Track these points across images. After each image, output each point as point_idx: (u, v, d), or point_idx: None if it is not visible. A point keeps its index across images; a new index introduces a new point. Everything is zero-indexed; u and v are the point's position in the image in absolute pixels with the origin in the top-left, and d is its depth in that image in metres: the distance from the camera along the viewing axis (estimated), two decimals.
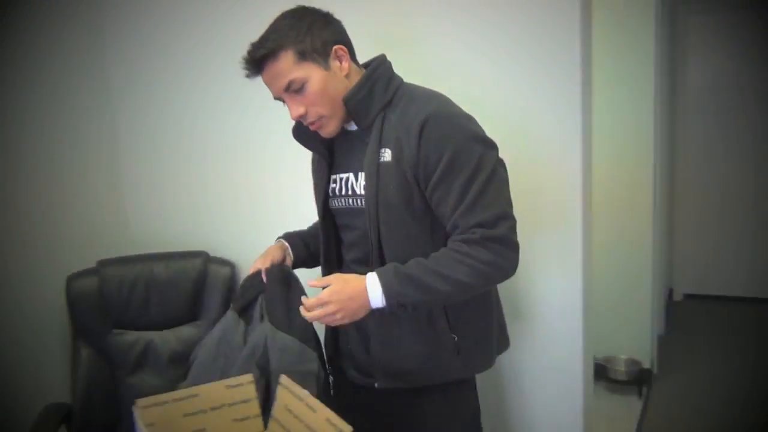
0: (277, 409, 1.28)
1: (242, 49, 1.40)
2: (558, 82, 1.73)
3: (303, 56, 1.34)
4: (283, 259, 1.63)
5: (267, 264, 1.56)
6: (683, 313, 4.73)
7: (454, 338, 1.43)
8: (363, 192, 1.40)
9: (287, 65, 1.33)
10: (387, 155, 1.35)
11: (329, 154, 1.52)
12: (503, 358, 1.67)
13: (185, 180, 2.35)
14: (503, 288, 1.56)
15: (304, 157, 1.67)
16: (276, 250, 1.64)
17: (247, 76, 1.40)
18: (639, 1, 3.19)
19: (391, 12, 1.91)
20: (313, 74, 1.34)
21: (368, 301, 1.31)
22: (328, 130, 1.42)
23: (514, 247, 1.34)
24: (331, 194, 1.52)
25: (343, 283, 1.33)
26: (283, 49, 1.33)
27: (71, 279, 2.10)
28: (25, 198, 2.09)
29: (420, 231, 1.39)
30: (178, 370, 2.12)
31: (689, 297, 5.03)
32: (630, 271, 3.45)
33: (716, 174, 4.77)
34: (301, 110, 1.37)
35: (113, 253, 2.23)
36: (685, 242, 4.96)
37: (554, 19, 1.70)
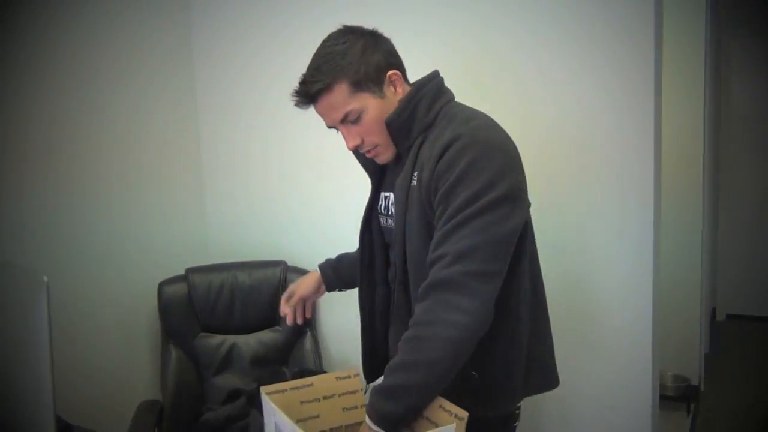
0: None
1: None
2: (632, 103, 1.83)
3: (358, 87, 1.28)
4: (315, 291, 1.74)
5: (289, 305, 1.70)
6: (726, 333, 4.76)
7: (474, 375, 1.29)
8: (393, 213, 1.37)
9: (342, 97, 1.28)
10: (415, 179, 1.29)
11: (381, 171, 1.49)
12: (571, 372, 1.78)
13: (265, 193, 2.51)
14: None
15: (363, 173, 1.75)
16: (309, 283, 1.75)
17: (298, 106, 1.36)
18: (691, 25, 3.30)
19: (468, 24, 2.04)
20: (368, 104, 1.30)
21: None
22: (384, 157, 1.39)
23: (470, 293, 1.13)
24: (378, 211, 1.50)
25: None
26: (338, 82, 1.27)
27: (163, 285, 2.26)
28: (119, 211, 2.25)
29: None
30: (259, 371, 2.27)
31: (732, 317, 5.06)
32: (680, 289, 3.52)
33: (758, 196, 4.82)
34: (357, 141, 1.34)
35: (198, 263, 2.39)
36: (728, 263, 5.00)
37: (629, 40, 1.82)
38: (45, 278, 1.13)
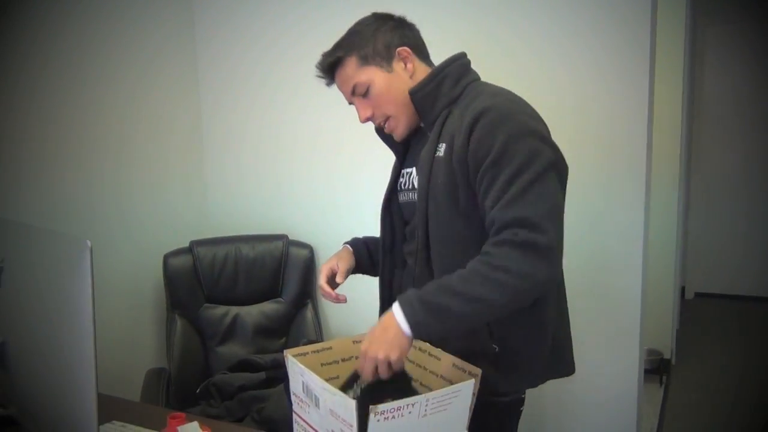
0: None
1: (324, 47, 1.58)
2: (629, 90, 1.95)
3: (365, 60, 1.37)
4: (351, 267, 1.65)
5: (325, 277, 1.57)
6: (695, 310, 4.97)
7: (495, 349, 1.32)
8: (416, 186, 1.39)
9: (351, 70, 1.38)
10: (442, 150, 1.31)
11: (404, 150, 1.53)
12: None
13: (266, 168, 2.57)
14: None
15: (379, 149, 1.75)
16: (345, 256, 1.65)
17: (327, 84, 1.47)
18: (670, 13, 3.42)
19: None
20: (375, 77, 1.37)
21: (401, 330, 1.17)
22: (399, 131, 1.44)
23: (553, 261, 1.16)
24: (398, 188, 1.52)
25: (372, 328, 1.23)
26: (348, 56, 1.38)
27: (168, 257, 2.33)
28: (124, 184, 2.30)
29: (468, 230, 1.30)
30: (261, 341, 2.36)
31: (700, 295, 5.28)
32: (655, 267, 3.68)
33: (727, 177, 5.02)
34: (368, 112, 1.41)
35: (201, 236, 2.45)
36: (697, 243, 5.21)
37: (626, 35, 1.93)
38: (89, 243, 1.18)
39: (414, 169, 1.43)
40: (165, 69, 2.47)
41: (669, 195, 3.66)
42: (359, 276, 2.44)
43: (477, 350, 1.30)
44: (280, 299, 2.41)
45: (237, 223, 2.58)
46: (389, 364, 1.18)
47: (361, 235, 1.75)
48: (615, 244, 2.03)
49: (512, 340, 1.33)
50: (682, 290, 5.17)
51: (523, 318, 1.30)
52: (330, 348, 1.50)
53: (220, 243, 2.40)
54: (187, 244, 2.38)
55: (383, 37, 1.39)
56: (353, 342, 1.53)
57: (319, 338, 2.36)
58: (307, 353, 1.46)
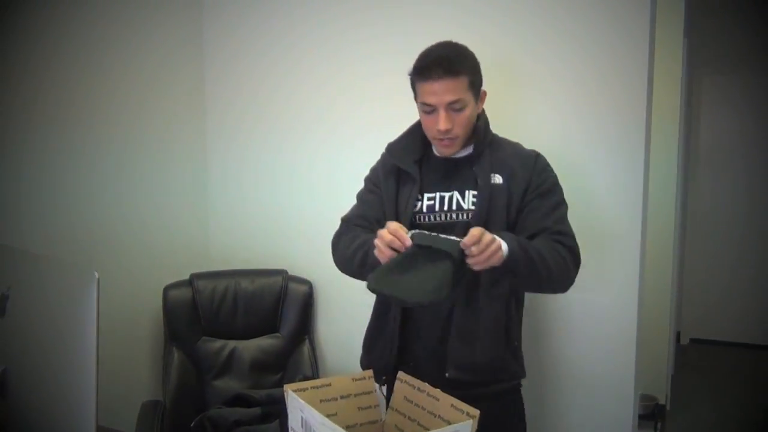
0: (395, 401, 1.51)
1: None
2: (625, 137, 2.00)
3: (472, 86, 1.60)
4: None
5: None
6: (690, 356, 4.97)
7: (516, 344, 1.69)
8: (472, 207, 1.61)
9: (462, 86, 1.57)
10: (498, 179, 1.62)
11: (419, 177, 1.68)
12: (558, 388, 1.99)
13: (268, 203, 2.60)
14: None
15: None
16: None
17: (419, 73, 1.59)
18: (668, 61, 3.50)
19: None
20: (471, 103, 1.60)
21: (502, 249, 1.45)
22: (453, 149, 1.65)
23: (577, 269, 1.63)
24: (420, 209, 1.67)
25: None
26: (465, 73, 1.57)
27: (167, 289, 2.34)
28: (126, 215, 2.32)
29: None
30: (258, 376, 2.36)
31: (695, 341, 5.28)
32: (650, 312, 3.69)
33: (723, 224, 5.07)
34: (449, 125, 1.58)
35: (202, 269, 2.47)
36: (692, 289, 5.22)
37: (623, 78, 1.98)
38: (96, 274, 1.20)
39: (455, 192, 1.65)
40: (170, 98, 2.51)
41: (665, 241, 3.70)
42: (356, 315, 2.47)
43: (506, 348, 1.66)
44: (277, 334, 2.42)
45: (237, 257, 2.59)
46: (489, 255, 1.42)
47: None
48: (611, 288, 2.05)
49: (518, 338, 1.72)
50: (678, 335, 5.18)
51: (519, 321, 1.73)
52: (329, 385, 1.50)
53: (220, 276, 2.42)
54: (187, 277, 2.39)
55: (480, 75, 1.64)
56: (353, 380, 1.54)
57: (315, 375, 2.36)
58: (307, 389, 1.47)
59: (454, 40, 1.65)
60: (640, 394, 3.69)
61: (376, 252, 1.50)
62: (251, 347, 2.39)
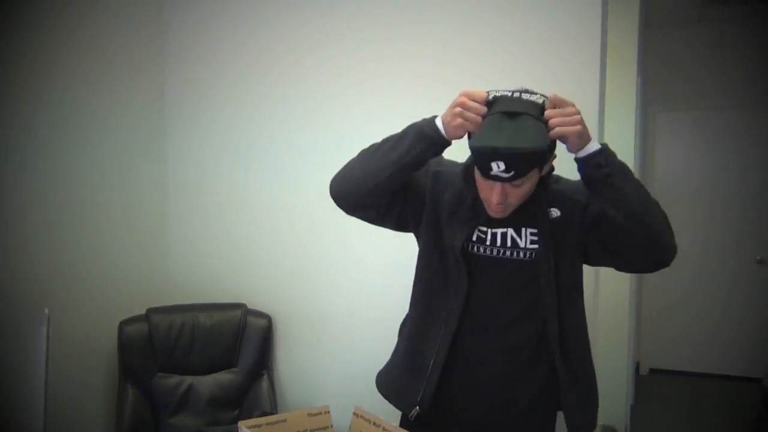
0: None
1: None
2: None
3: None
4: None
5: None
6: (649, 386, 5.03)
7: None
8: (531, 246, 1.46)
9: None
10: (555, 213, 1.45)
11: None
12: None
13: (227, 236, 2.59)
14: None
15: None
16: None
17: None
18: (622, 97, 3.62)
19: None
20: (533, 177, 1.36)
21: (593, 140, 1.33)
22: (504, 215, 1.42)
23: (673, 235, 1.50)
24: (469, 238, 1.49)
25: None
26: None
27: (123, 324, 2.29)
28: (81, 249, 2.28)
29: (581, 274, 1.53)
30: (215, 412, 2.32)
31: (654, 371, 5.35)
32: (608, 343, 3.74)
33: (680, 255, 5.17)
34: (501, 200, 1.36)
35: (159, 303, 2.43)
36: (651, 320, 5.32)
37: None
38: (46, 310, 1.18)
39: (509, 229, 1.47)
40: (129, 125, 2.49)
41: (620, 273, 3.76)
42: (315, 349, 2.46)
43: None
44: (235, 369, 2.39)
45: (196, 291, 2.56)
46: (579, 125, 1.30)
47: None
48: None
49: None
50: (637, 366, 5.25)
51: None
52: (285, 420, 1.50)
53: (177, 311, 2.38)
54: (144, 311, 2.35)
55: (552, 149, 1.40)
56: (308, 415, 1.53)
57: (273, 410, 2.32)
58: (262, 425, 1.46)
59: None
60: (600, 425, 3.73)
61: (456, 123, 1.33)
62: (208, 383, 2.35)
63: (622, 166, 1.36)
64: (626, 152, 3.62)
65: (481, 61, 2.13)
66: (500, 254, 1.47)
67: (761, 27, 4.90)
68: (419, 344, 1.55)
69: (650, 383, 5.12)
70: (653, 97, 5.17)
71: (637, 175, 3.87)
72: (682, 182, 5.26)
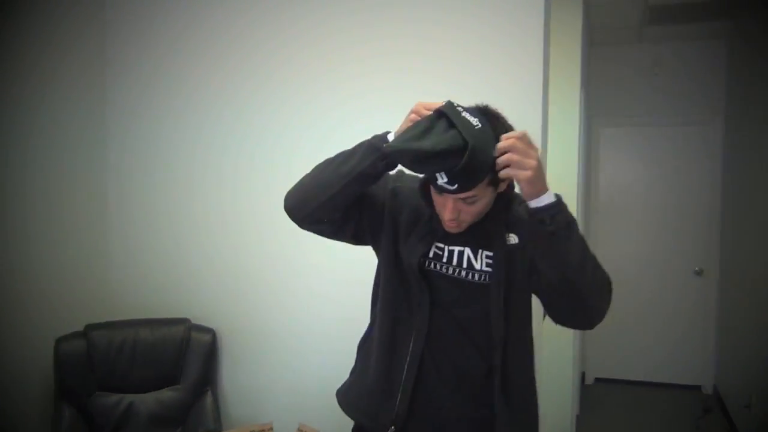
0: None
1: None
2: None
3: (492, 182, 1.32)
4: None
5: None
6: (594, 396, 5.13)
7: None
8: (486, 269, 1.44)
9: (480, 185, 1.30)
10: (513, 239, 1.42)
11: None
12: None
13: (170, 248, 2.53)
14: None
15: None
16: None
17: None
18: (567, 112, 3.70)
19: None
20: (487, 195, 1.34)
21: (549, 190, 1.26)
22: (458, 230, 1.41)
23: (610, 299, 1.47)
24: (426, 254, 1.48)
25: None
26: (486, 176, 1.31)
27: (60, 341, 2.21)
28: (14, 262, 2.19)
29: (529, 304, 1.50)
30: (157, 431, 2.24)
31: (600, 380, 5.46)
32: (555, 354, 3.80)
33: (622, 268, 5.33)
34: (454, 216, 1.35)
35: (98, 319, 2.35)
36: (595, 330, 5.42)
37: None
38: None
39: (467, 249, 1.45)
40: (67, 134, 2.42)
41: None
42: (262, 364, 2.42)
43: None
44: (178, 386, 2.32)
45: (138, 306, 2.49)
46: (531, 171, 1.23)
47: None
48: None
49: None
50: (583, 376, 5.34)
51: None
52: None
53: (117, 327, 2.31)
54: (81, 328, 2.27)
55: None
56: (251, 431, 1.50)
57: (218, 427, 2.27)
58: None
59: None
60: None
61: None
62: (149, 401, 2.28)
63: (568, 227, 1.27)
64: (570, 166, 3.72)
65: (428, 77, 2.14)
66: (455, 273, 1.46)
67: (697, 47, 5.11)
68: (388, 363, 1.51)
69: (595, 393, 5.22)
70: (597, 112, 5.33)
71: (581, 189, 3.99)
72: (624, 195, 5.42)
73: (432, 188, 1.37)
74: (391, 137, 1.36)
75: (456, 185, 1.26)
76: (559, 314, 1.41)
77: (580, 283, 1.29)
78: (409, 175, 1.52)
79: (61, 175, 2.38)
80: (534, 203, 1.26)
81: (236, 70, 2.40)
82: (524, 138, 1.24)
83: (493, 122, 1.31)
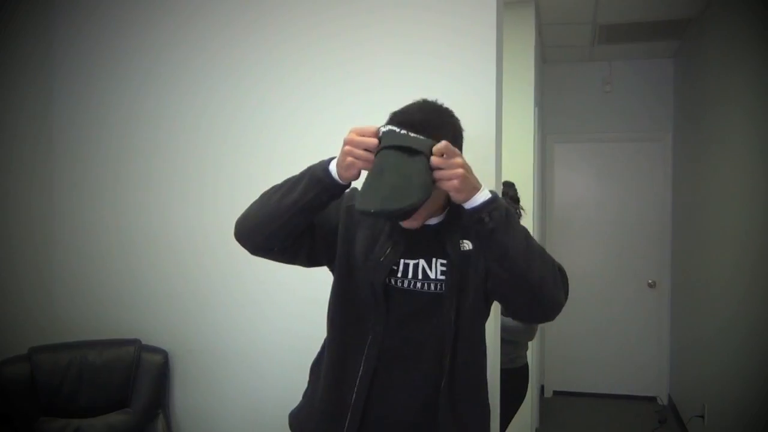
0: None
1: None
2: None
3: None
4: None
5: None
6: (553, 408, 5.17)
7: None
8: (441, 277, 1.44)
9: None
10: (467, 245, 1.43)
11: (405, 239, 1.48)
12: None
13: (117, 267, 2.44)
14: None
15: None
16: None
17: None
18: (522, 127, 3.76)
19: None
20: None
21: (483, 189, 1.29)
22: (416, 223, 1.42)
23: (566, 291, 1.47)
24: (395, 275, 1.47)
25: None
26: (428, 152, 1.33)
27: (2, 365, 2.12)
28: None
29: (485, 315, 1.52)
30: None
31: (558, 393, 5.51)
32: None
33: (578, 280, 5.41)
34: None
35: (43, 341, 2.27)
36: (554, 344, 5.49)
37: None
38: None
39: (421, 260, 1.45)
40: (12, 147, 2.34)
41: None
42: (216, 385, 2.36)
43: None
44: (128, 409, 2.25)
45: (84, 327, 2.41)
46: (457, 180, 1.25)
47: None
48: None
49: None
50: (542, 389, 5.38)
51: None
52: None
53: (63, 349, 2.23)
54: (25, 351, 2.18)
55: (460, 143, 1.42)
56: None
57: None
58: None
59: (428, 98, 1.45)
60: None
61: (346, 163, 1.31)
62: (98, 425, 2.20)
63: (507, 220, 1.29)
64: (526, 182, 3.76)
65: (377, 96, 2.13)
66: (411, 286, 1.45)
67: (647, 65, 5.26)
68: (338, 384, 1.49)
69: (554, 405, 5.26)
70: (551, 129, 5.44)
71: (536, 202, 4.04)
72: (579, 209, 5.52)
73: None
74: (332, 166, 1.36)
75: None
76: (516, 310, 1.45)
77: (530, 274, 1.30)
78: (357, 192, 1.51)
79: (2, 189, 2.30)
80: (469, 204, 1.28)
81: (194, 75, 2.36)
82: (446, 149, 1.25)
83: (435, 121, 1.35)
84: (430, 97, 1.44)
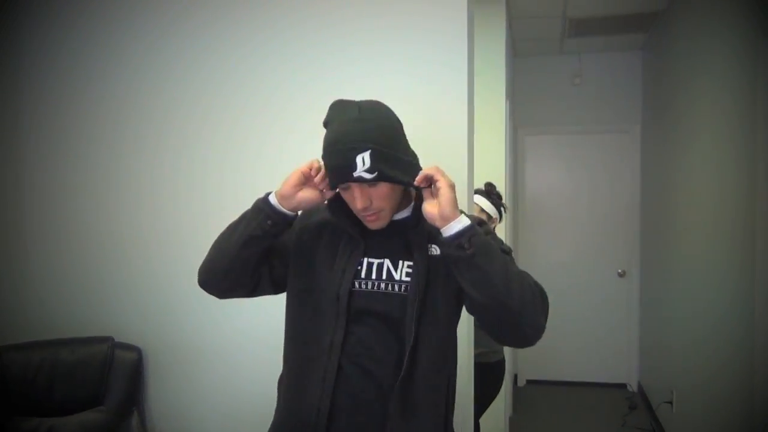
0: None
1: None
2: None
3: None
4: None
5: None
6: (526, 397, 5.24)
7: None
8: (406, 279, 1.42)
9: None
10: (435, 250, 1.42)
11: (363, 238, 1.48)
12: None
13: (89, 262, 2.41)
14: None
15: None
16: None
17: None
18: (493, 120, 3.79)
19: None
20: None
21: (461, 214, 1.31)
22: (381, 222, 1.42)
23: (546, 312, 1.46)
24: (357, 277, 1.45)
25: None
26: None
27: None
28: None
29: (454, 320, 1.49)
30: None
31: (531, 382, 5.59)
32: None
33: (550, 270, 5.48)
34: (367, 203, 1.37)
35: (12, 340, 2.24)
36: None
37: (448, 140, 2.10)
38: None
39: (386, 260, 1.45)
40: None
41: None
42: (191, 381, 2.35)
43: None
44: (102, 408, 2.23)
45: (56, 324, 2.37)
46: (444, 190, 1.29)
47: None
48: None
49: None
50: (515, 378, 5.46)
51: None
52: None
53: (34, 347, 2.20)
54: None
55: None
56: None
57: None
58: None
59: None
60: None
61: (294, 177, 1.40)
62: (71, 424, 2.18)
63: (487, 246, 1.29)
64: (498, 174, 3.80)
65: (350, 91, 2.14)
66: (375, 287, 1.43)
67: (615, 58, 5.34)
68: (299, 400, 1.45)
69: (527, 394, 5.34)
70: (522, 121, 5.49)
71: (508, 194, 4.09)
72: (549, 201, 5.60)
73: (340, 191, 1.42)
74: (272, 198, 1.41)
75: (376, 173, 1.32)
76: (498, 335, 1.41)
77: (510, 300, 1.29)
78: (315, 210, 1.54)
79: None
80: (447, 230, 1.29)
81: (159, 79, 2.34)
82: (439, 169, 1.32)
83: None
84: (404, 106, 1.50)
